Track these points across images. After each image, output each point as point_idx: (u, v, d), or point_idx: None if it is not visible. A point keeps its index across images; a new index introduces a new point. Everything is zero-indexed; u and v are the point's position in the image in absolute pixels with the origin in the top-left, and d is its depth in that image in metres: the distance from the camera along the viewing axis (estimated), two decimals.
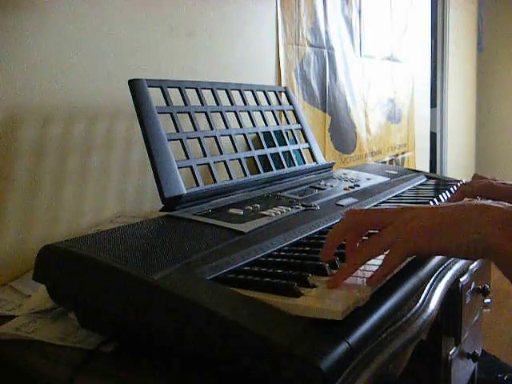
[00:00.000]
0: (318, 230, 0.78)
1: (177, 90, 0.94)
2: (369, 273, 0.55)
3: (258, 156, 1.05)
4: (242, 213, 0.80)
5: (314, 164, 1.21)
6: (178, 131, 0.89)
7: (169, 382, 0.52)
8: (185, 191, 0.83)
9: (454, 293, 0.89)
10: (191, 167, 0.88)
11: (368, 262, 0.56)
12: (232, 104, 1.05)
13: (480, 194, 0.87)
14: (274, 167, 1.07)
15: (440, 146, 3.44)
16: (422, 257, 0.67)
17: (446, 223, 0.52)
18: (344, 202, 0.95)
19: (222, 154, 0.96)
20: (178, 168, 0.84)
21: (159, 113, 0.86)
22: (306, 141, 1.23)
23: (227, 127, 1.01)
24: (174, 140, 0.87)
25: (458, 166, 3.66)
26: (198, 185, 0.87)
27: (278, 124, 1.16)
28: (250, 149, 1.04)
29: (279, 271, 0.57)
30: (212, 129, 0.97)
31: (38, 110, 0.90)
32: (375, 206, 0.99)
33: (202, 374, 0.50)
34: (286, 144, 1.15)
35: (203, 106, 0.98)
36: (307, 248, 0.69)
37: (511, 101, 4.10)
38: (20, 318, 0.68)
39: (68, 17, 0.94)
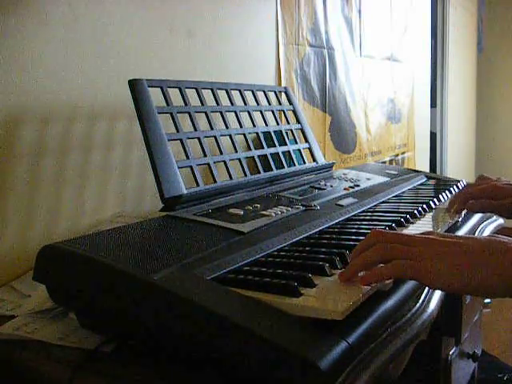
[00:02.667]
0: (318, 230, 0.78)
1: (177, 89, 0.94)
2: None
3: (258, 156, 1.05)
4: (242, 213, 0.80)
5: (314, 164, 1.21)
6: (178, 131, 0.89)
7: (169, 381, 0.52)
8: (185, 191, 0.83)
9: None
10: (191, 167, 0.88)
11: None
12: (232, 104, 1.05)
13: (484, 196, 0.87)
14: (274, 167, 1.07)
15: (440, 146, 3.44)
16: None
17: (468, 264, 0.52)
18: (344, 201, 0.95)
19: (221, 153, 0.96)
20: (178, 168, 0.84)
21: (159, 113, 0.86)
22: (306, 141, 1.23)
23: (227, 127, 1.01)
24: (174, 140, 0.87)
25: (458, 165, 3.65)
26: (198, 185, 0.87)
27: (278, 124, 1.16)
28: (250, 149, 1.04)
29: (279, 271, 0.57)
30: (212, 129, 0.97)
31: (38, 110, 0.90)
32: (375, 206, 0.99)
33: (202, 373, 0.50)
34: (285, 144, 1.15)
35: (203, 106, 0.98)
36: (307, 248, 0.69)
37: (511, 101, 4.10)
38: (20, 317, 0.68)
39: (68, 17, 0.94)
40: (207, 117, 0.97)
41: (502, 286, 0.50)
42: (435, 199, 1.02)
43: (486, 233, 0.98)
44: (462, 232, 0.90)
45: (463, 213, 0.92)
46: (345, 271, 0.57)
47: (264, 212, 0.80)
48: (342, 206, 0.92)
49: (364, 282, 0.54)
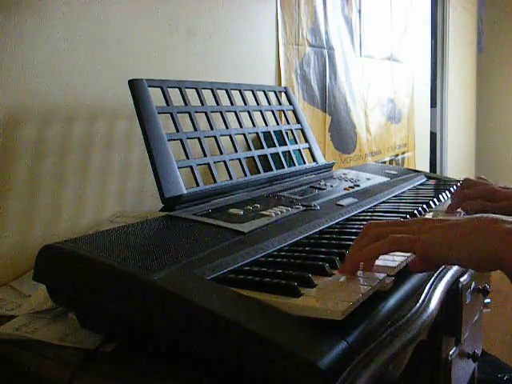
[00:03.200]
0: (318, 230, 0.78)
1: (177, 89, 0.94)
2: (372, 280, 0.55)
3: (258, 156, 1.05)
4: (242, 213, 0.79)
5: (314, 164, 1.21)
6: (178, 131, 0.89)
7: (169, 381, 0.52)
8: (185, 191, 0.83)
9: (454, 293, 0.89)
10: (191, 167, 0.88)
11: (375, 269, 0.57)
12: (232, 104, 1.05)
13: (480, 197, 0.88)
14: (274, 167, 1.07)
15: (440, 146, 3.44)
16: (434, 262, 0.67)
17: (460, 235, 0.53)
18: (344, 201, 0.95)
19: (221, 153, 0.96)
20: (178, 168, 0.84)
21: (159, 113, 0.86)
22: (306, 141, 1.23)
23: (227, 127, 1.01)
24: (173, 140, 0.87)
25: (457, 166, 3.66)
26: (197, 185, 0.87)
27: (277, 124, 1.16)
28: (250, 149, 1.04)
29: (279, 271, 0.57)
30: (212, 129, 0.97)
31: (38, 110, 0.90)
32: (375, 206, 0.99)
33: (202, 373, 0.50)
34: (285, 144, 1.15)
35: (203, 106, 0.98)
36: (307, 248, 0.69)
37: (511, 101, 4.10)
38: (20, 317, 0.68)
39: (68, 17, 0.94)
40: (207, 117, 0.97)
41: (494, 257, 0.50)
42: (435, 199, 1.02)
43: None
44: None
45: (460, 213, 0.92)
46: (344, 264, 0.57)
47: (264, 212, 0.80)
48: (342, 205, 0.92)
49: (362, 257, 0.55)
